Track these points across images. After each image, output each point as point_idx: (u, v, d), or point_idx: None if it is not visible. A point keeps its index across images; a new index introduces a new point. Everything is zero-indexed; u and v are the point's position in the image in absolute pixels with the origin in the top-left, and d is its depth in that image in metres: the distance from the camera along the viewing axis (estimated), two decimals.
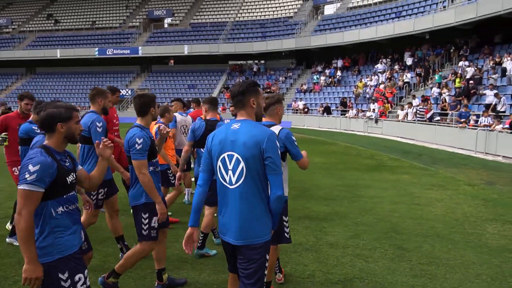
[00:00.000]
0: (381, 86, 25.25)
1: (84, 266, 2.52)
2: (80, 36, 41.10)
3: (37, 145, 2.65)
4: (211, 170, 2.61)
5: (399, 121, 20.03)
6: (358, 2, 33.61)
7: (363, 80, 27.55)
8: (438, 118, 18.13)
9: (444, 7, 24.84)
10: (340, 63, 31.23)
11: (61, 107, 2.51)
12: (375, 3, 31.81)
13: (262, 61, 37.09)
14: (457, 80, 18.98)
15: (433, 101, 19.94)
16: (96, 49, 38.35)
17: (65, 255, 2.41)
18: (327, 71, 31.30)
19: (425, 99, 20.00)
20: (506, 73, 18.10)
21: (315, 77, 31.52)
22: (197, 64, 37.45)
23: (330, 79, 30.24)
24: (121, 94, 36.57)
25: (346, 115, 24.60)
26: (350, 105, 25.66)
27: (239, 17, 39.60)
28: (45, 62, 40.34)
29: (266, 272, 2.56)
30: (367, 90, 25.77)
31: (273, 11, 38.69)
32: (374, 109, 21.93)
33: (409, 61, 26.34)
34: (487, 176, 9.55)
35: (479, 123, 14.00)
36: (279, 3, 39.40)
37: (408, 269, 4.25)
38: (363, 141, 17.81)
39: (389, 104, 22.90)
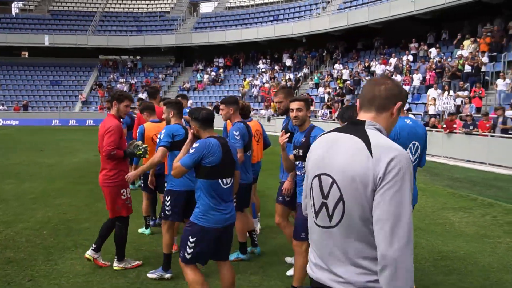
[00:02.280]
0: (266, 85, 26.27)
1: None
2: None
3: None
4: None
5: None
6: (236, 2, 34.30)
7: (247, 79, 28.23)
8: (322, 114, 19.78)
9: (319, 13, 27.24)
10: (221, 61, 31.39)
11: None
12: (253, 5, 32.94)
13: (138, 57, 34.77)
14: (338, 81, 21.01)
15: (318, 100, 21.64)
16: None
17: None
18: (209, 69, 31.11)
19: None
20: (375, 75, 20.83)
21: (198, 75, 31.00)
22: (60, 57, 32.86)
23: (214, 78, 30.14)
24: None
25: None
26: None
27: (109, 8, 36.32)
28: None
29: None
30: (253, 90, 26.50)
31: (147, 5, 36.63)
32: (267, 108, 22.66)
33: (288, 62, 28.07)
34: None
35: None
36: None
37: (433, 267, 4.33)
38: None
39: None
